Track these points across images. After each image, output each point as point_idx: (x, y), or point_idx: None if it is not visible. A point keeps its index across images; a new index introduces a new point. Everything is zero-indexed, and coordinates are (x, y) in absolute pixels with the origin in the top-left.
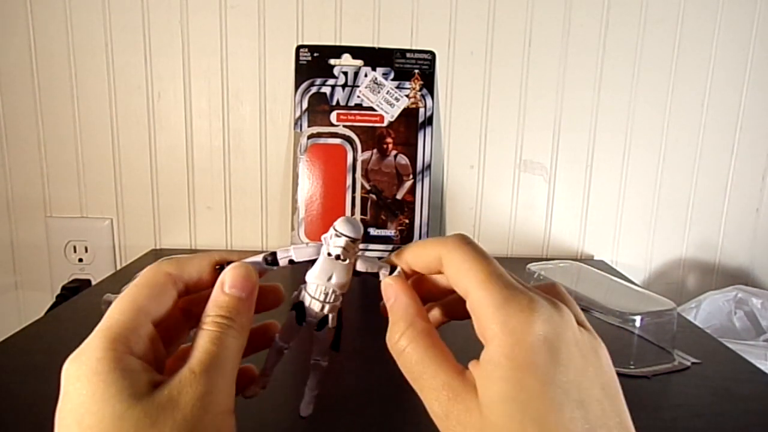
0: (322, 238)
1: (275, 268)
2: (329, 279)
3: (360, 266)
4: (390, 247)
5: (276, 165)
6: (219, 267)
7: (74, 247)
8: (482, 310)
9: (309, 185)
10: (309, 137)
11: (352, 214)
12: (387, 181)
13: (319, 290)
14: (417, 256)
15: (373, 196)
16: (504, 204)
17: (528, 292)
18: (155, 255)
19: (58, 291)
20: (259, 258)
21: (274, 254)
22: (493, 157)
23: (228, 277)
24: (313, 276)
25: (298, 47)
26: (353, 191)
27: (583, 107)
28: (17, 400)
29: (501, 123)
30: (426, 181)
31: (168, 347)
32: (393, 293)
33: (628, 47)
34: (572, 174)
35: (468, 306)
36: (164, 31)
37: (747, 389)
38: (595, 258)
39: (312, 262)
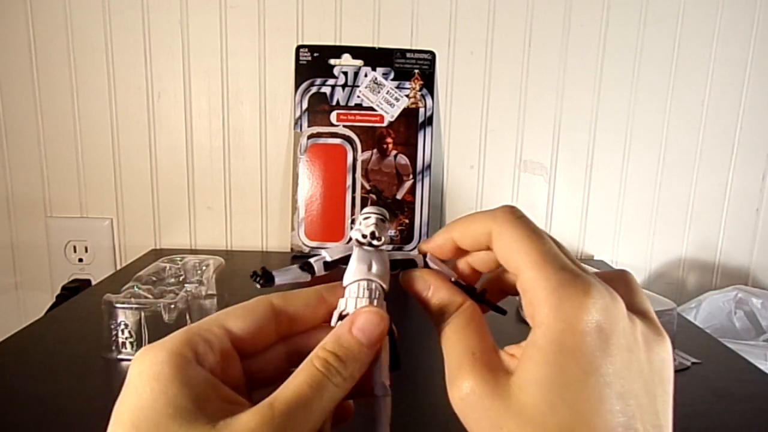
0: (350, 235)
1: (310, 278)
2: (369, 269)
3: (396, 255)
4: (390, 247)
5: (276, 165)
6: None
7: (74, 247)
8: (535, 293)
9: (309, 185)
10: (309, 137)
11: (353, 214)
12: (387, 181)
13: (361, 288)
14: (464, 232)
15: (373, 196)
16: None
17: (585, 276)
18: (155, 255)
19: (58, 291)
20: (293, 266)
21: (307, 261)
22: (493, 157)
23: (359, 318)
24: (350, 274)
25: (298, 47)
26: (353, 191)
27: (583, 107)
28: (17, 400)
29: (501, 123)
30: (426, 181)
31: (264, 387)
32: (426, 283)
33: (628, 47)
34: (572, 174)
35: (519, 285)
36: (164, 31)
37: (747, 389)
38: (595, 258)
39: (346, 265)
